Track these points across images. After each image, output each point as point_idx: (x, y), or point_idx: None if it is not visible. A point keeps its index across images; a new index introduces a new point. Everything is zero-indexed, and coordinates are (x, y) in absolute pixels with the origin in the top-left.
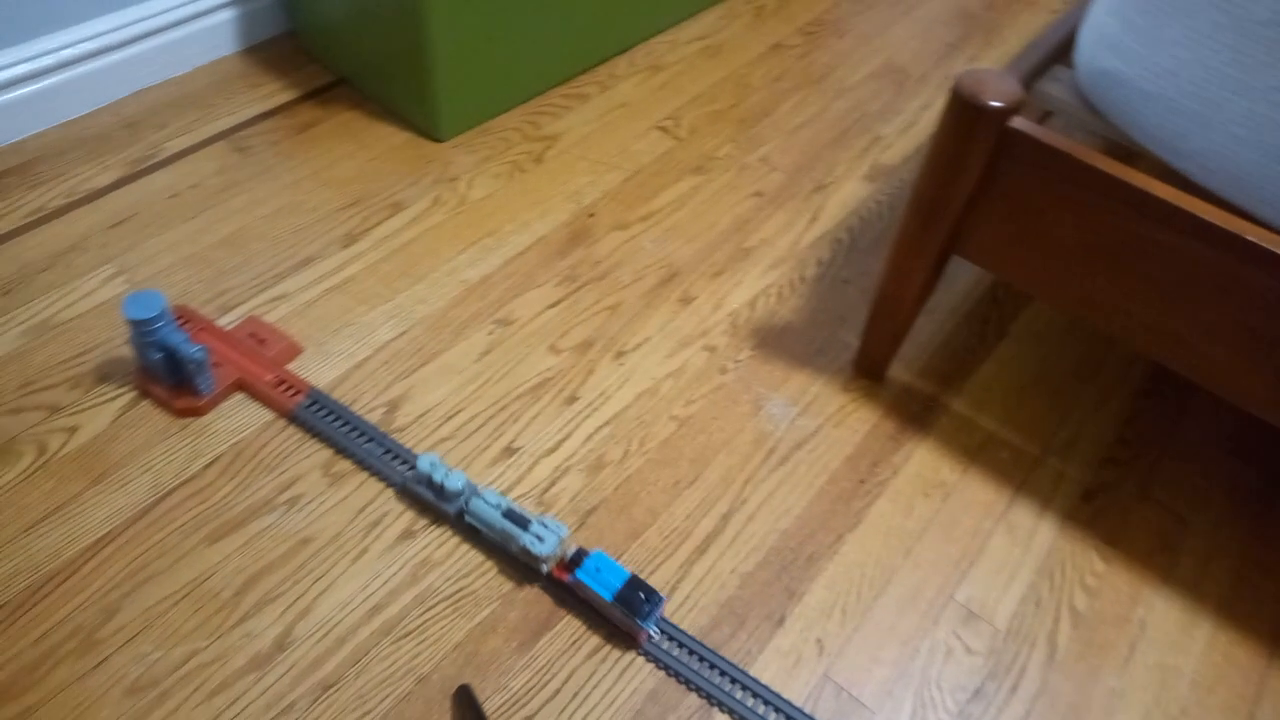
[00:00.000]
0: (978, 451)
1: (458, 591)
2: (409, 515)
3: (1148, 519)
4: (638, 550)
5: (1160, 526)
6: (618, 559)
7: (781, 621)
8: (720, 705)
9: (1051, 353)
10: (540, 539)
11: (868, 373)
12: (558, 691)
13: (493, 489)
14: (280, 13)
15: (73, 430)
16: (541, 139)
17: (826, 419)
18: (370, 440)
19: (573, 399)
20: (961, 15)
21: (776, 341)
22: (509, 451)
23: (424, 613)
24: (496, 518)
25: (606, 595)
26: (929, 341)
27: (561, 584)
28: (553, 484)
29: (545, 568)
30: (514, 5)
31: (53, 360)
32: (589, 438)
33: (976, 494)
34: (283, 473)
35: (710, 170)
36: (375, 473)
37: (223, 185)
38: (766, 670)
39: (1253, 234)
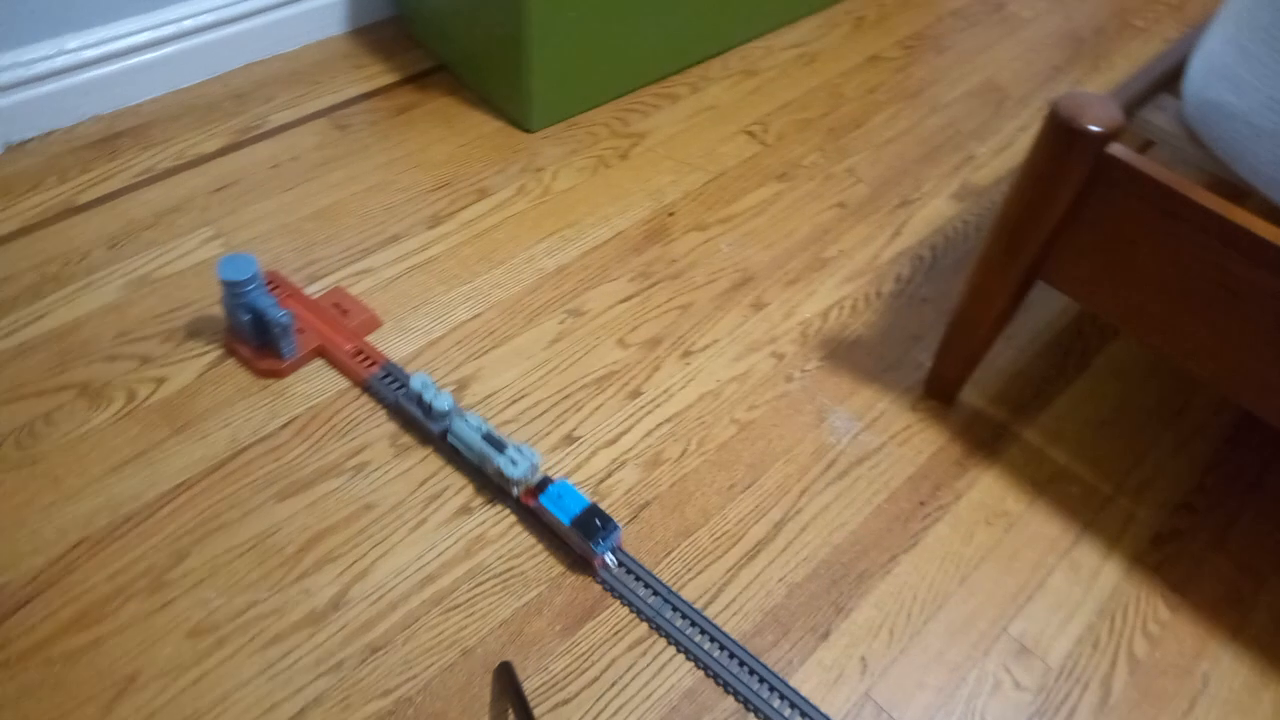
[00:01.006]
0: (1046, 484)
1: (508, 570)
2: (468, 491)
3: (1220, 571)
4: (687, 549)
5: (1233, 580)
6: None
7: (826, 635)
8: (757, 711)
9: (1134, 390)
10: (514, 462)
11: (938, 394)
12: (596, 679)
13: (476, 413)
14: None
15: (161, 381)
16: (628, 136)
17: (891, 437)
18: None
19: (636, 394)
20: (1069, 39)
21: (846, 354)
22: (569, 440)
23: (474, 587)
24: (476, 439)
25: (565, 519)
26: (1006, 368)
27: (528, 508)
28: (609, 475)
29: (516, 490)
30: (612, 4)
31: (149, 313)
32: (649, 433)
33: (1041, 527)
34: (353, 439)
35: (794, 178)
36: (438, 448)
37: (321, 160)
38: (806, 682)
39: None
